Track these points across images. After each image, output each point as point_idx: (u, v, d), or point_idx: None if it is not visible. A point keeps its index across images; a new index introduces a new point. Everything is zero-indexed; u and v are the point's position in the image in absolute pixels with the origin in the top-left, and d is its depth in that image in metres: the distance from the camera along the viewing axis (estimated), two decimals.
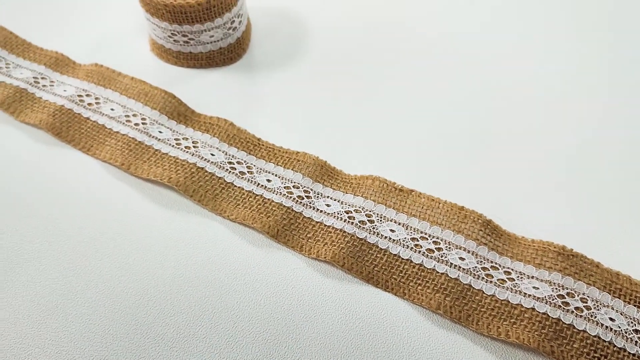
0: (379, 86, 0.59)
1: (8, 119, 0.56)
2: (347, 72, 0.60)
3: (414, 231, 0.47)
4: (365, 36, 0.64)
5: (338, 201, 0.50)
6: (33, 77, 0.58)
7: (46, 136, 0.55)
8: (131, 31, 0.64)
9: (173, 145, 0.52)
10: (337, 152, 0.53)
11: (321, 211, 0.49)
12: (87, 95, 0.56)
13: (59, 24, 0.65)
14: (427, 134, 0.55)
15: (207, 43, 0.57)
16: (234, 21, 0.56)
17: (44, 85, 0.57)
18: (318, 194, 0.50)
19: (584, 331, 0.42)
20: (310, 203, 0.50)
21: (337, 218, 0.48)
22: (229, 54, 0.59)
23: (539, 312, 0.43)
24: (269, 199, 0.50)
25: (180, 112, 0.55)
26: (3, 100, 0.55)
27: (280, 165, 0.52)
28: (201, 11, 0.53)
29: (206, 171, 0.51)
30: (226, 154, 0.52)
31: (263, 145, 0.54)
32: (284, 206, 0.49)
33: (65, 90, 0.56)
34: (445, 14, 0.67)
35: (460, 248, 0.46)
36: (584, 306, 0.43)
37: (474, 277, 0.45)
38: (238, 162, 0.52)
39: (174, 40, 0.56)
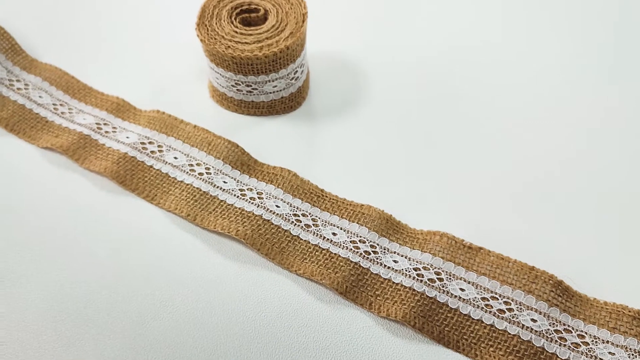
0: (442, 135, 0.60)
1: (72, 166, 0.57)
2: (408, 119, 0.62)
3: (484, 290, 0.48)
4: (427, 83, 0.65)
5: (405, 257, 0.50)
6: (96, 123, 0.59)
7: (110, 183, 0.56)
8: (190, 77, 0.65)
9: (238, 196, 0.54)
10: (400, 204, 0.54)
11: (389, 267, 0.50)
12: (150, 142, 0.57)
13: (118, 68, 0.67)
14: (494, 186, 0.56)
15: (270, 92, 0.58)
16: (296, 71, 0.58)
17: (106, 132, 0.59)
18: (385, 249, 0.51)
19: None
20: (377, 259, 0.50)
21: (406, 275, 0.49)
22: (289, 102, 0.60)
23: None
24: (335, 254, 0.50)
25: (243, 162, 0.56)
26: (68, 146, 0.57)
27: (345, 218, 0.53)
28: (268, 63, 0.55)
29: (272, 224, 0.52)
30: (291, 206, 0.53)
31: (327, 196, 0.54)
32: (351, 261, 0.50)
33: (128, 137, 0.58)
34: (515, 60, 0.68)
35: (531, 309, 0.47)
36: None
37: (546, 340, 0.45)
38: (303, 215, 0.53)
39: (237, 90, 0.58)
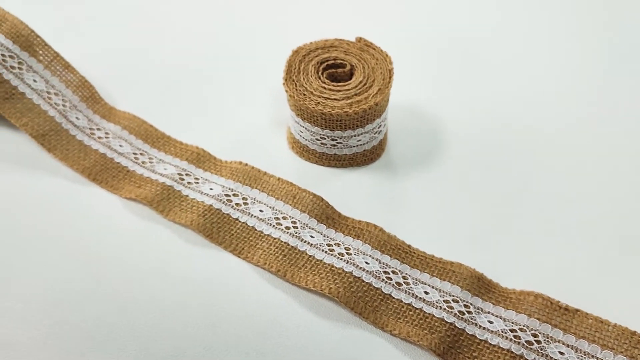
0: (528, 188, 0.61)
1: (155, 217, 0.59)
2: (490, 172, 0.63)
3: (585, 355, 0.48)
4: (509, 134, 0.66)
5: (500, 318, 0.51)
6: (177, 174, 0.61)
7: (195, 236, 0.57)
8: (267, 127, 0.67)
9: (326, 252, 0.55)
10: (487, 260, 0.55)
11: (484, 328, 0.50)
12: (234, 194, 0.59)
13: (194, 117, 0.68)
14: (586, 243, 0.56)
15: (354, 146, 0.60)
16: (380, 125, 0.59)
17: (189, 183, 0.60)
18: (479, 309, 0.51)
19: None
20: (472, 319, 0.51)
21: (502, 337, 0.49)
22: (370, 155, 0.62)
23: None
24: (429, 314, 0.51)
25: (328, 216, 0.57)
26: (153, 198, 0.58)
27: (436, 276, 0.53)
28: (356, 119, 0.56)
29: (363, 281, 0.53)
30: (380, 263, 0.54)
31: (414, 253, 0.55)
32: (446, 322, 0.50)
33: (211, 189, 0.59)
34: (603, 110, 0.70)
35: None
36: None
37: None
38: (393, 272, 0.53)
39: (321, 143, 0.59)
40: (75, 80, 0.66)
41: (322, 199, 0.58)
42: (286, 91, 0.57)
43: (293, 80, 0.58)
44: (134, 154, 0.63)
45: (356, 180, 0.62)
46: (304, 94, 0.57)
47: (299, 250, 0.55)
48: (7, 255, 0.56)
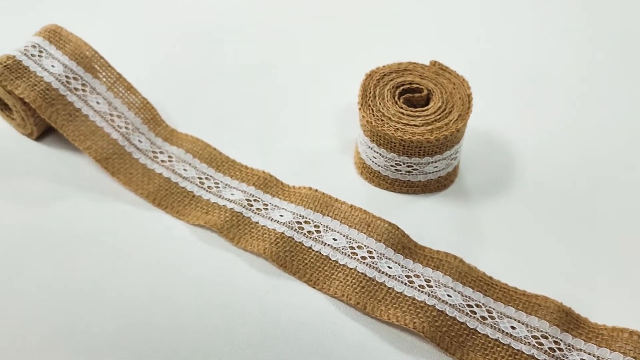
0: (610, 220, 0.59)
1: (224, 244, 0.57)
2: (568, 201, 0.61)
3: None
4: (587, 162, 0.65)
5: (593, 356, 0.49)
6: (245, 199, 0.60)
7: (266, 264, 0.56)
8: (334, 151, 0.66)
9: (406, 283, 0.53)
10: (572, 293, 0.53)
11: None
12: (306, 222, 0.57)
13: (257, 140, 0.67)
14: None
15: (429, 173, 0.58)
16: (457, 151, 0.58)
17: (257, 209, 0.59)
18: (570, 346, 0.50)
19: None
20: (563, 356, 0.49)
21: None
22: (444, 181, 0.60)
23: None
24: (518, 350, 0.49)
25: (404, 245, 0.56)
26: (222, 224, 0.57)
27: (522, 310, 0.52)
28: (436, 145, 0.55)
29: (447, 315, 0.51)
30: (462, 295, 0.52)
31: (497, 285, 0.54)
32: (537, 359, 0.49)
33: (281, 216, 0.58)
34: None
35: None
36: None
37: None
38: (477, 305, 0.52)
39: (396, 170, 0.58)
40: (137, 102, 0.65)
41: (398, 228, 0.57)
42: (362, 117, 0.56)
43: (369, 105, 0.57)
44: (199, 178, 0.62)
45: (429, 208, 0.61)
46: (382, 120, 0.56)
47: (377, 281, 0.54)
48: (74, 282, 0.55)
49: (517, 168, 0.64)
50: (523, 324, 0.51)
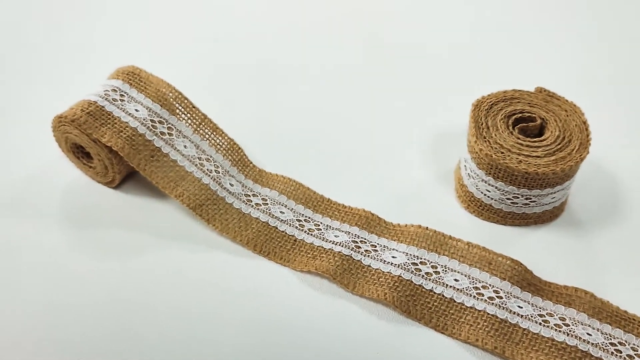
0: None
1: (336, 291, 0.55)
2: None
3: None
4: None
5: None
6: (352, 241, 0.57)
7: (384, 310, 0.53)
8: (431, 184, 0.64)
9: (540, 323, 0.51)
10: None
11: None
12: (422, 262, 0.55)
13: (347, 177, 0.65)
14: None
15: (546, 204, 0.57)
16: (573, 180, 0.56)
17: (366, 251, 0.56)
18: None
19: None
20: None
21: None
22: (556, 211, 0.59)
23: None
24: None
25: (529, 282, 0.54)
26: (334, 270, 0.54)
27: None
28: (560, 177, 0.53)
29: (593, 356, 0.49)
30: (602, 333, 0.50)
31: (634, 319, 0.51)
32: None
33: (394, 257, 0.55)
34: None
35: None
36: None
37: None
38: (620, 343, 0.50)
39: (512, 203, 0.56)
40: (224, 144, 0.62)
41: (520, 264, 0.54)
42: (480, 150, 0.54)
43: (484, 137, 0.55)
44: (298, 220, 0.60)
45: (544, 239, 0.59)
46: (502, 152, 0.54)
47: (510, 322, 0.52)
48: (173, 337, 0.51)
49: (624, 192, 0.63)
50: None
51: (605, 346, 0.50)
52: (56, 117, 0.59)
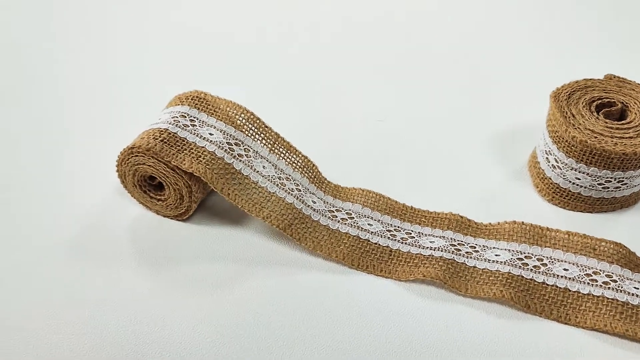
0: None
1: (443, 295, 0.54)
2: None
3: None
4: None
5: None
6: (451, 245, 0.56)
7: (499, 308, 0.53)
8: (508, 180, 0.65)
9: None
10: None
11: None
12: (527, 257, 0.55)
13: (425, 181, 0.65)
14: None
15: (636, 186, 0.58)
16: None
17: (467, 252, 0.56)
18: None
19: None
20: None
21: None
22: (639, 194, 0.60)
23: None
24: None
25: (636, 263, 0.54)
26: (443, 274, 0.53)
27: None
28: None
29: None
30: None
31: None
32: None
33: (497, 255, 0.55)
34: None
35: None
36: None
37: None
38: None
39: (603, 187, 0.57)
40: (299, 162, 0.61)
41: (623, 246, 0.55)
42: (573, 137, 0.55)
43: (572, 125, 0.56)
44: (388, 230, 0.58)
45: (634, 222, 0.60)
46: (595, 137, 0.55)
47: (632, 304, 0.52)
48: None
49: None
50: None
51: None
52: (127, 149, 0.56)
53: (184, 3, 1.03)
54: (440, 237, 0.58)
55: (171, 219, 0.61)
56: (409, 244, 0.58)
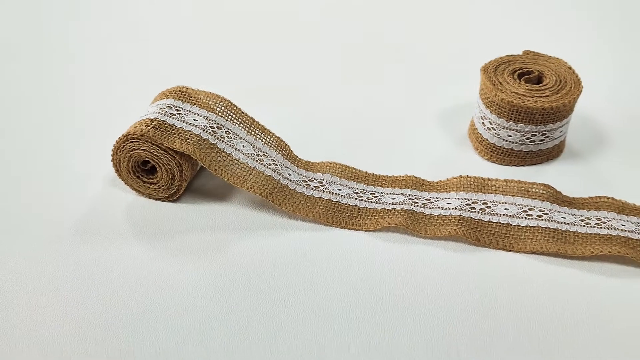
0: None
1: (407, 239, 0.63)
2: None
3: None
4: None
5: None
6: (409, 199, 0.66)
7: (456, 245, 0.63)
8: (452, 148, 0.77)
9: (584, 226, 0.63)
10: None
11: None
12: (474, 202, 0.65)
13: (379, 153, 0.75)
14: None
15: (556, 138, 0.70)
16: (572, 114, 0.70)
17: (424, 204, 0.66)
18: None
19: None
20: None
21: None
22: (561, 146, 0.73)
23: None
24: None
25: (562, 199, 0.66)
26: (405, 221, 0.63)
27: None
28: (565, 109, 0.67)
29: (631, 239, 0.61)
30: (631, 223, 0.63)
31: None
32: None
33: (449, 204, 0.65)
34: None
35: None
36: None
37: None
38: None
39: (530, 141, 0.69)
40: (274, 142, 0.70)
41: (551, 186, 0.67)
42: (501, 100, 0.67)
43: (500, 90, 0.68)
44: (355, 193, 0.68)
45: (557, 170, 0.72)
46: (519, 98, 0.67)
47: (561, 230, 0.63)
48: (263, 319, 0.57)
49: (605, 122, 0.80)
50: None
51: (638, 231, 0.62)
52: (122, 137, 0.65)
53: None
54: (399, 195, 0.68)
55: (162, 200, 0.69)
56: (373, 202, 0.67)
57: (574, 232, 0.63)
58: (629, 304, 0.57)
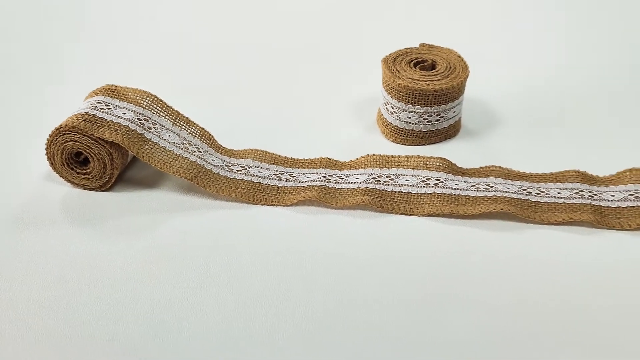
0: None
1: (323, 211, 0.71)
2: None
3: None
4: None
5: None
6: (323, 176, 0.74)
7: (364, 213, 0.71)
8: (362, 134, 0.85)
9: (474, 190, 0.72)
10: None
11: None
12: (379, 176, 0.74)
13: (295, 140, 0.83)
14: None
15: (451, 118, 0.79)
16: (463, 96, 0.80)
17: (335, 180, 0.74)
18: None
19: None
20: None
21: None
22: (457, 126, 0.82)
23: None
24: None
25: (457, 170, 0.75)
26: (318, 195, 0.71)
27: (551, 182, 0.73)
28: (454, 92, 0.77)
29: (513, 198, 0.70)
30: (515, 186, 0.72)
31: (522, 174, 0.75)
32: None
33: (357, 178, 0.74)
34: None
35: None
36: None
37: None
38: (534, 189, 0.72)
39: (427, 121, 0.78)
40: (198, 132, 0.77)
41: (446, 159, 0.76)
42: (399, 85, 0.76)
43: (398, 77, 0.77)
44: (275, 174, 0.76)
45: (453, 147, 0.82)
46: (414, 82, 0.76)
47: (454, 195, 0.72)
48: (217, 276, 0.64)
49: (495, 101, 0.92)
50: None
51: (520, 192, 0.72)
52: (55, 130, 0.71)
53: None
54: (314, 174, 0.76)
55: (96, 190, 0.75)
56: (291, 181, 0.75)
57: (465, 195, 0.72)
58: (513, 253, 0.66)
